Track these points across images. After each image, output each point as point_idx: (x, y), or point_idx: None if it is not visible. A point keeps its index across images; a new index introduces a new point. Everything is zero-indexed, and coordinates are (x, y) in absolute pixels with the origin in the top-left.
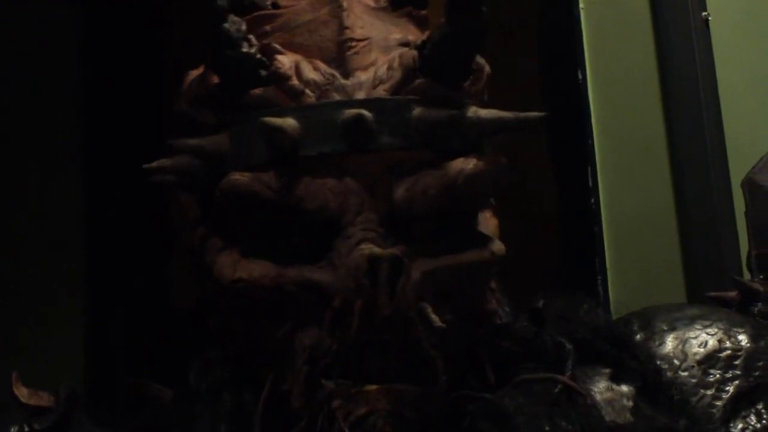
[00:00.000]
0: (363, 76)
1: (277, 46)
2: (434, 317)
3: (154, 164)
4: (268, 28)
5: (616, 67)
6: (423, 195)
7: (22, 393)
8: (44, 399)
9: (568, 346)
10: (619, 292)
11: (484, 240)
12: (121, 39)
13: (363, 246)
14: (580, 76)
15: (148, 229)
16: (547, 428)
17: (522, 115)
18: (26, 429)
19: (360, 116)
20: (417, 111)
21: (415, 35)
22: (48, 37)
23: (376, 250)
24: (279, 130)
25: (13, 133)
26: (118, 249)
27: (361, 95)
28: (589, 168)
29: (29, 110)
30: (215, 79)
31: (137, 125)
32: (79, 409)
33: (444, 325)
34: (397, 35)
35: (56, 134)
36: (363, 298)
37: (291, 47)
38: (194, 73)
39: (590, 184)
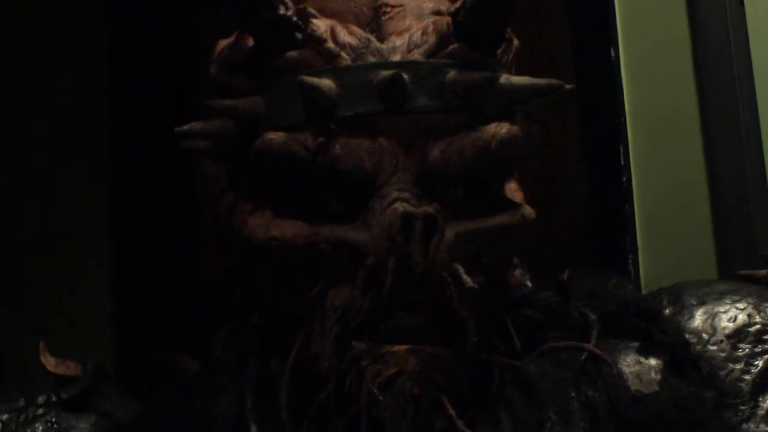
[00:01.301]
0: (398, 41)
1: (312, 11)
2: (467, 278)
3: (186, 127)
4: None
5: (649, 45)
6: (458, 156)
7: (49, 362)
8: (71, 368)
9: (592, 316)
10: (651, 271)
11: (515, 205)
12: (148, 24)
13: (397, 204)
14: (612, 54)
15: (175, 200)
16: (573, 395)
17: (554, 81)
18: (53, 398)
19: (397, 76)
20: (452, 74)
21: (446, 5)
22: (76, 11)
23: (411, 208)
24: (316, 88)
25: (39, 105)
26: (145, 221)
27: (396, 58)
28: (621, 147)
29: (56, 80)
30: (249, 43)
31: (164, 95)
32: (106, 379)
33: (476, 286)
34: (429, 4)
35: (83, 107)
36: (397, 256)
37: (325, 13)
38: (225, 41)
39: (622, 162)
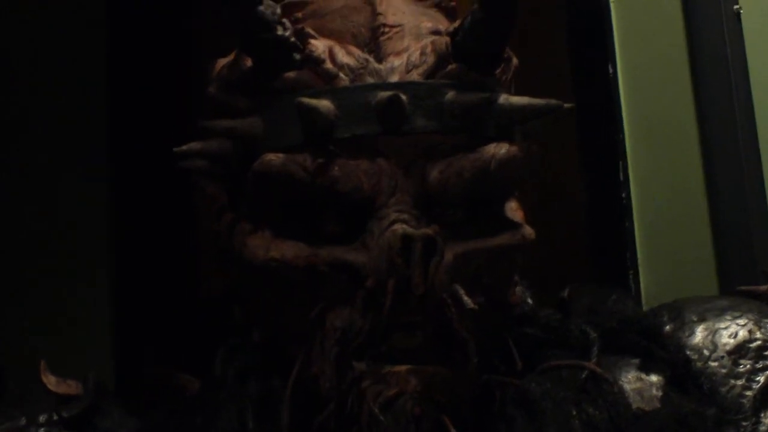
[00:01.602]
0: (396, 61)
1: (311, 31)
2: (467, 299)
3: (185, 147)
4: (299, 15)
5: (647, 61)
6: (457, 177)
7: (50, 381)
8: (72, 387)
9: (593, 333)
10: (651, 287)
11: (515, 225)
12: (148, 25)
13: (396, 226)
14: (610, 71)
15: (176, 217)
16: (574, 413)
17: (553, 101)
18: (54, 417)
19: (395, 98)
20: (450, 95)
21: (444, 25)
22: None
23: (410, 229)
24: (314, 110)
25: (40, 114)
26: (145, 238)
27: (394, 79)
28: (620, 162)
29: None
30: (248, 63)
31: (165, 112)
32: (107, 397)
33: (476, 307)
34: (428, 24)
35: (83, 120)
36: (396, 278)
37: (323, 33)
38: (223, 60)
39: (621, 178)
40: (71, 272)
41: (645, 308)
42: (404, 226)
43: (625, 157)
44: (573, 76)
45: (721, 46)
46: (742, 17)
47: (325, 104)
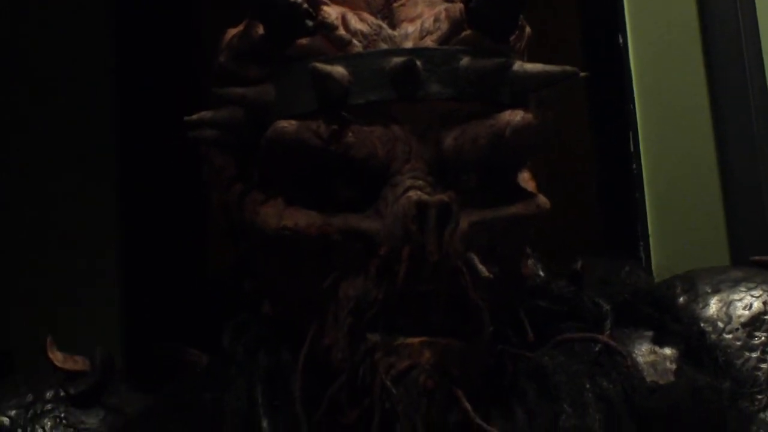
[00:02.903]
0: (410, 28)
1: None
2: (481, 267)
3: (195, 117)
4: None
5: (658, 30)
6: (472, 144)
7: (57, 357)
8: (79, 363)
9: (606, 306)
10: (662, 258)
11: (530, 194)
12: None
13: (411, 193)
14: (621, 41)
15: (184, 191)
16: (587, 387)
17: (568, 68)
18: (61, 393)
19: (410, 63)
20: (465, 61)
21: None
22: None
23: (425, 196)
24: (328, 76)
25: (46, 96)
26: (153, 213)
27: (408, 45)
28: (631, 133)
29: (62, 72)
30: (259, 32)
31: (172, 83)
32: (114, 373)
33: (491, 276)
34: None
35: (89, 96)
36: (411, 245)
37: (337, 1)
38: (234, 30)
39: (632, 149)
40: (79, 251)
41: (656, 280)
42: (419, 192)
43: (636, 128)
44: (583, 47)
45: (733, 15)
46: None
47: (338, 70)
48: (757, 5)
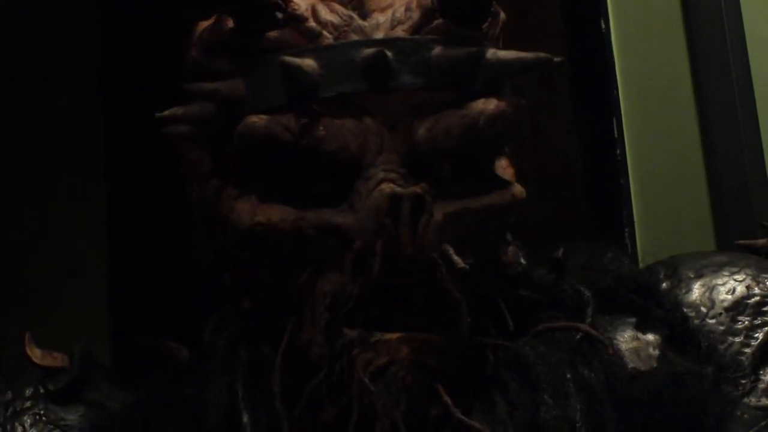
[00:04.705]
0: (381, 17)
1: None
2: (457, 258)
3: (167, 113)
4: None
5: (640, 15)
6: (445, 134)
7: (35, 354)
8: (58, 359)
9: (587, 293)
10: (648, 244)
11: (505, 183)
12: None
13: (384, 186)
14: (603, 26)
15: (170, 187)
16: (569, 377)
17: (542, 55)
18: (41, 390)
19: (380, 54)
20: (437, 50)
21: None
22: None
23: (398, 188)
24: (298, 68)
25: (32, 94)
26: (138, 208)
27: (379, 35)
28: (614, 119)
29: (48, 69)
30: (229, 25)
31: (158, 80)
32: (95, 369)
33: (467, 267)
34: None
35: (75, 94)
36: (384, 238)
37: None
38: (205, 23)
39: (615, 135)
40: (66, 248)
41: (641, 266)
42: (392, 185)
43: (620, 113)
44: (565, 33)
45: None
46: None
47: (308, 63)
48: None
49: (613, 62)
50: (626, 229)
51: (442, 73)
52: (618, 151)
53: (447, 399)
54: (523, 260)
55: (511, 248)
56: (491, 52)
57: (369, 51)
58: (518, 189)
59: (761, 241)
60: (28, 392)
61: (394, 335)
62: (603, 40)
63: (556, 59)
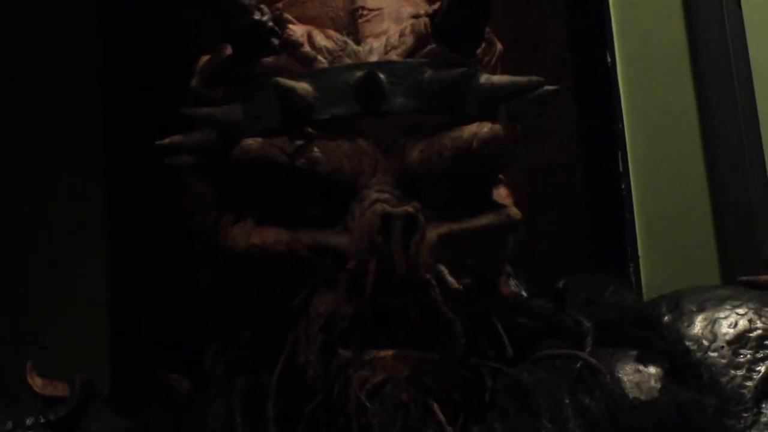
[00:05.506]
0: (375, 43)
1: (289, 16)
2: (451, 279)
3: (167, 140)
4: (279, 5)
5: (646, 49)
6: (438, 156)
7: (36, 383)
8: (59, 389)
9: (587, 323)
10: (652, 279)
11: (499, 206)
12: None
13: (377, 205)
14: (609, 60)
15: (170, 216)
16: (567, 402)
17: (535, 78)
18: (41, 420)
19: (373, 76)
20: (430, 73)
21: (425, 9)
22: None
23: (390, 208)
24: (292, 91)
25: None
26: (139, 239)
27: (373, 59)
28: (620, 152)
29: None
30: (227, 52)
31: (160, 107)
32: (95, 398)
33: (461, 287)
34: (408, 8)
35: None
36: (377, 257)
37: (303, 20)
38: (206, 57)
39: (621, 169)
40: (66, 273)
41: (646, 300)
42: (384, 205)
43: (625, 147)
44: (572, 66)
45: (722, 33)
46: (743, 4)
47: (302, 85)
48: (746, 23)
49: (619, 96)
50: (631, 264)
51: (435, 95)
52: (623, 185)
53: (442, 417)
54: (524, 293)
55: (512, 281)
56: (485, 77)
57: (361, 73)
58: (514, 211)
59: (764, 277)
60: (29, 422)
61: (389, 353)
62: (609, 74)
63: (550, 87)
